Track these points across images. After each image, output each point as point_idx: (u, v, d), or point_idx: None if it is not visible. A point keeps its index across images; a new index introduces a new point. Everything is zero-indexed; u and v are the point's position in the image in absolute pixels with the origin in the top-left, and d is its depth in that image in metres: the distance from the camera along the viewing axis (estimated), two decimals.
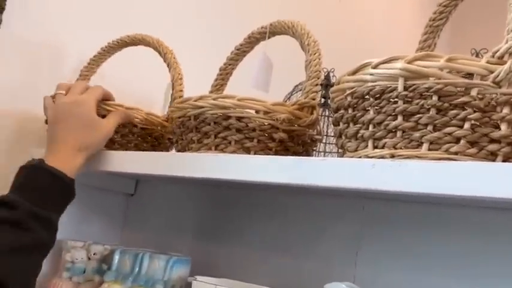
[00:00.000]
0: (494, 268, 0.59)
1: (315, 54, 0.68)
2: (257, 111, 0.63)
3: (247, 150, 0.63)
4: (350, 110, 0.55)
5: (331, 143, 0.95)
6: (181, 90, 0.83)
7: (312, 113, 0.67)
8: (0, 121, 0.85)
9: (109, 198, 0.94)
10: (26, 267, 0.59)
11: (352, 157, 0.54)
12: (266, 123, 0.63)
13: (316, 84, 0.67)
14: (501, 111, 0.46)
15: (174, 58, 0.85)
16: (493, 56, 0.47)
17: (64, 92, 0.72)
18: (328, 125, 0.97)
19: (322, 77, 0.91)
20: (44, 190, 0.62)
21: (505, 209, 0.57)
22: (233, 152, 0.62)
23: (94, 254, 0.79)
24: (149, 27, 0.92)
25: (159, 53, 0.86)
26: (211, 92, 0.83)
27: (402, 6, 2.41)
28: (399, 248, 0.66)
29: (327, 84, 0.99)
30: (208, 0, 1.28)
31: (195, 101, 0.65)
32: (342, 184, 0.49)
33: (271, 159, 0.56)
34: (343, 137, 0.57)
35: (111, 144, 0.76)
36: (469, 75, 0.48)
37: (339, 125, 0.58)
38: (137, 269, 0.72)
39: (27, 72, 0.90)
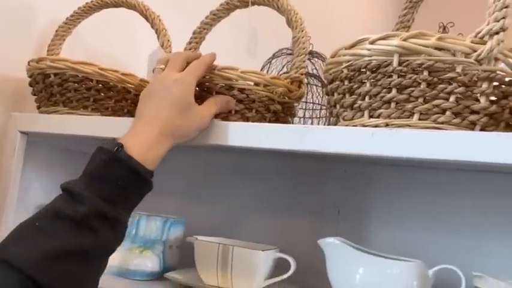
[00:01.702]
0: (466, 221, 0.67)
1: (302, 31, 0.72)
2: (257, 84, 0.66)
3: (246, 120, 0.67)
4: (346, 82, 0.60)
5: (312, 109, 1.01)
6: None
7: (300, 87, 0.72)
8: None
9: (82, 159, 0.95)
10: (81, 272, 0.49)
11: (347, 125, 0.59)
12: (264, 96, 0.67)
13: (304, 61, 0.71)
14: (481, 86, 0.53)
15: (163, 24, 0.85)
16: (475, 36, 0.54)
17: (163, 66, 0.63)
18: (308, 92, 1.03)
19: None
20: (117, 185, 0.52)
21: (482, 171, 0.66)
22: (234, 121, 0.66)
23: None
24: None
25: (146, 17, 0.87)
26: None
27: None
28: (376, 207, 0.74)
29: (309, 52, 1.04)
30: None
31: None
32: (346, 150, 0.55)
33: (282, 127, 0.61)
34: (338, 107, 0.62)
35: (105, 110, 0.77)
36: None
37: (333, 95, 0.63)
38: (134, 230, 0.75)
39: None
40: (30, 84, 0.80)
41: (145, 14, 0.85)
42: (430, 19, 0.97)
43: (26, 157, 0.80)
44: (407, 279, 0.59)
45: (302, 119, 1.02)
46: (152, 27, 0.85)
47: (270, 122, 0.69)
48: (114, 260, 0.72)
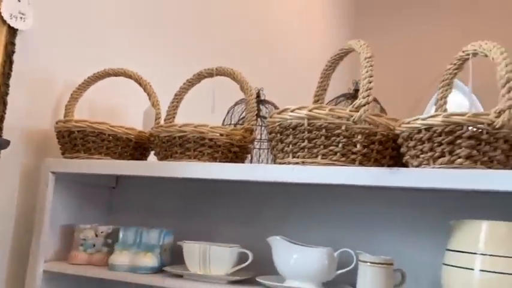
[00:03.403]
0: (358, 221, 1.01)
1: (251, 95, 1.06)
2: (221, 134, 0.99)
3: (214, 159, 0.99)
4: (278, 135, 0.93)
5: (263, 144, 1.34)
6: (159, 113, 1.16)
7: (251, 134, 1.05)
8: (15, 134, 1.12)
9: (97, 191, 1.24)
10: None
11: (280, 163, 0.92)
12: (227, 142, 1.00)
13: (254, 116, 1.05)
14: (357, 137, 0.87)
15: (153, 89, 1.17)
16: (353, 107, 0.88)
17: None
18: (260, 132, 1.37)
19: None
20: None
21: (367, 188, 1.00)
22: (206, 161, 0.98)
23: (101, 232, 1.11)
24: (121, 62, 1.23)
25: (140, 84, 1.18)
26: (169, 110, 1.16)
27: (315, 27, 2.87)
28: (306, 214, 1.07)
29: (258, 101, 1.39)
30: (166, 47, 1.60)
31: (180, 127, 1.00)
32: (278, 179, 0.88)
33: (239, 165, 0.94)
34: (275, 150, 0.95)
35: (113, 154, 1.08)
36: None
37: (271, 142, 0.96)
38: (138, 239, 1.05)
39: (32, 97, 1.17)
40: (58, 137, 1.10)
41: (139, 82, 1.17)
42: (347, 78, 1.33)
43: (55, 190, 1.09)
44: (322, 259, 0.91)
45: (258, 150, 1.36)
46: (144, 91, 1.17)
47: (231, 160, 1.02)
48: (125, 260, 1.02)
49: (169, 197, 1.21)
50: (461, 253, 0.77)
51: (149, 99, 1.17)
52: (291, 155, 0.91)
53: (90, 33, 1.30)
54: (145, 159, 1.17)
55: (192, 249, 0.99)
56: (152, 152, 1.15)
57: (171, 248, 1.08)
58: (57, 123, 1.10)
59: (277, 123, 0.93)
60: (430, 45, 3.48)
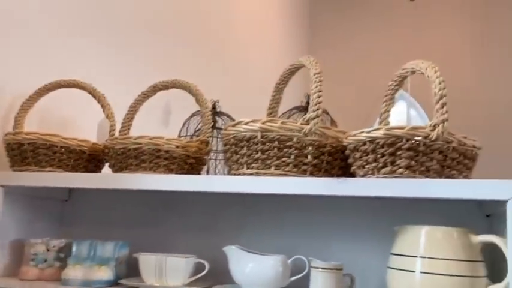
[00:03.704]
0: (313, 230, 1.05)
1: (207, 108, 1.08)
2: (177, 146, 1.00)
3: (171, 171, 1.00)
4: (233, 147, 0.96)
5: (219, 155, 1.37)
6: (114, 125, 1.16)
7: (207, 146, 1.07)
8: None
9: (48, 204, 1.21)
10: None
11: (234, 174, 0.95)
12: (183, 154, 1.01)
13: (209, 128, 1.07)
14: (308, 149, 0.91)
15: (106, 100, 1.17)
16: (304, 120, 0.92)
17: None
18: (216, 143, 1.39)
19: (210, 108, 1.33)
20: None
21: (318, 197, 1.04)
22: (162, 172, 0.99)
23: (53, 247, 1.08)
24: (76, 74, 1.22)
25: (93, 96, 1.17)
26: (123, 122, 1.16)
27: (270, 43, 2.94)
28: (262, 224, 1.10)
29: (214, 113, 1.41)
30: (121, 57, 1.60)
31: (135, 139, 1.00)
32: (233, 190, 0.90)
33: (195, 177, 0.95)
34: (229, 161, 0.98)
35: (65, 166, 1.07)
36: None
37: (227, 153, 0.98)
38: (92, 253, 1.04)
39: None
40: (7, 150, 1.07)
41: (93, 94, 1.16)
42: (300, 91, 1.38)
43: (4, 204, 1.06)
44: (277, 267, 0.94)
45: (215, 161, 1.38)
46: (98, 102, 1.16)
47: (187, 171, 1.04)
48: (78, 274, 1.01)
49: (124, 209, 1.20)
50: (404, 257, 0.83)
51: (103, 111, 1.16)
52: (245, 166, 0.93)
53: (42, 43, 1.28)
54: (100, 172, 1.17)
55: (148, 261, 0.99)
56: (107, 164, 1.14)
57: (127, 260, 1.07)
58: (6, 135, 1.07)
59: (231, 136, 0.96)
60: (382, 58, 3.65)
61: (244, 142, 0.93)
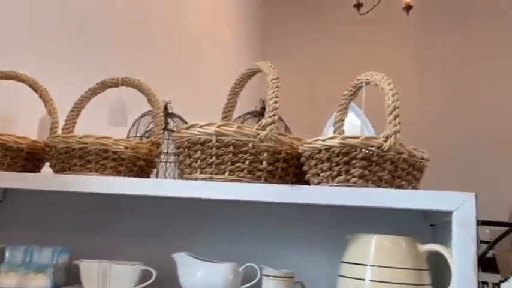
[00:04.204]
0: (262, 238, 1.04)
1: (159, 109, 1.04)
2: (126, 147, 0.96)
3: (118, 173, 0.95)
4: (187, 150, 0.93)
5: (170, 157, 1.32)
6: (56, 122, 1.08)
7: (158, 147, 1.03)
8: None
9: None
10: None
11: (187, 178, 0.92)
12: (132, 155, 0.96)
13: (161, 129, 1.03)
14: (263, 155, 0.90)
15: (49, 95, 1.09)
16: (260, 125, 0.91)
17: None
18: (167, 145, 1.34)
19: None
20: None
21: (272, 204, 1.04)
22: (109, 174, 0.94)
23: None
24: (17, 68, 1.13)
25: (34, 90, 1.09)
26: (67, 119, 1.08)
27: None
28: (214, 230, 1.07)
29: (166, 114, 1.36)
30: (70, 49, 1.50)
31: (80, 138, 0.94)
32: (185, 195, 0.87)
33: (144, 181, 0.91)
34: (182, 165, 0.94)
35: (0, 165, 0.98)
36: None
37: (179, 157, 0.95)
38: (28, 259, 0.97)
39: None
40: None
41: (34, 87, 1.08)
42: (254, 96, 1.37)
43: None
44: (227, 274, 0.92)
45: (165, 164, 1.34)
46: (40, 97, 1.08)
47: (137, 174, 0.99)
48: (12, 282, 0.93)
49: (65, 212, 1.13)
50: (354, 265, 0.84)
51: (45, 106, 1.08)
52: (198, 170, 0.91)
53: None
54: (39, 171, 1.09)
55: (90, 268, 0.93)
56: (47, 164, 1.06)
57: (66, 267, 1.00)
58: None
59: (185, 139, 0.92)
60: (331, 68, 3.76)
61: (199, 146, 0.90)
